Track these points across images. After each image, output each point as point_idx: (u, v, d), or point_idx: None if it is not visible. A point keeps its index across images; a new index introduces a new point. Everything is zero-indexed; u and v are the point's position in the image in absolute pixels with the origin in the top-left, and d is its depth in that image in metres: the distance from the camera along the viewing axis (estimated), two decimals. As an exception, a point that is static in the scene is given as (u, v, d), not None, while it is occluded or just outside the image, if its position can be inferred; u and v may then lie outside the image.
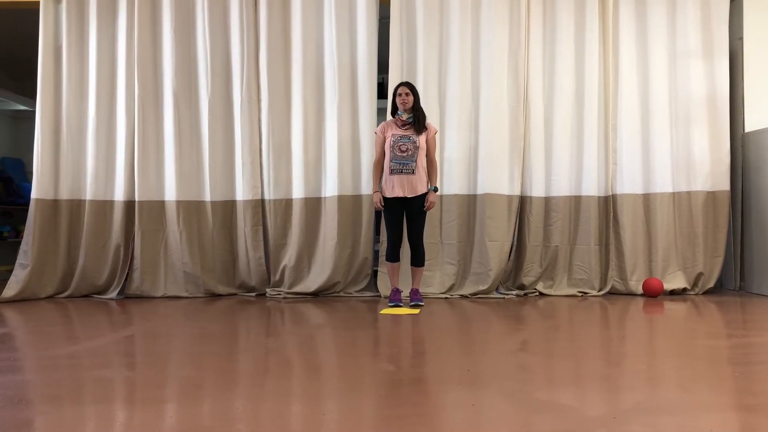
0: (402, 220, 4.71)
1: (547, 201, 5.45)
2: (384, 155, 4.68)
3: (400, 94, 4.62)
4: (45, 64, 5.48)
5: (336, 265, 5.30)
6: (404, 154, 4.58)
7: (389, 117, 4.95)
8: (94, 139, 5.47)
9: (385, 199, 4.65)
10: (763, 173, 5.31)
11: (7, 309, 4.75)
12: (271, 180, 5.44)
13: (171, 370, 2.79)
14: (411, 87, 4.66)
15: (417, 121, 4.63)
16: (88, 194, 5.45)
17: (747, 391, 2.38)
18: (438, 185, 4.82)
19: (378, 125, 5.17)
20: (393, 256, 4.71)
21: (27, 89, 7.43)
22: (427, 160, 4.71)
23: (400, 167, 4.59)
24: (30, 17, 5.68)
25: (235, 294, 5.48)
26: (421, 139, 4.62)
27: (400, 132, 4.64)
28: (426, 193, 4.66)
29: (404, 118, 4.63)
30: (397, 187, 4.60)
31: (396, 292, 4.73)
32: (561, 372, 2.68)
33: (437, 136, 5.01)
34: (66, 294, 5.38)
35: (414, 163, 4.59)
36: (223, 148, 5.50)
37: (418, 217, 4.67)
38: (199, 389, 2.41)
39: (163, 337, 3.61)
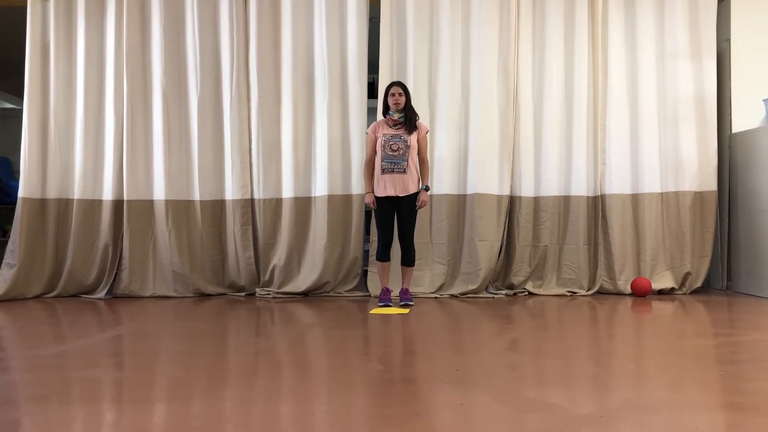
0: (393, 219, 4.71)
1: (537, 201, 5.47)
2: (375, 155, 4.68)
3: (393, 94, 4.63)
4: (32, 63, 5.43)
5: (326, 265, 5.30)
6: (395, 153, 4.59)
7: (380, 117, 4.95)
8: (83, 138, 5.43)
9: (376, 198, 4.65)
10: (750, 174, 5.36)
11: (-6, 309, 4.71)
12: (261, 179, 5.42)
13: (160, 370, 2.78)
14: (404, 87, 4.67)
15: (408, 120, 4.64)
16: (76, 193, 5.41)
17: (733, 390, 2.41)
18: (429, 184, 4.82)
19: (368, 124, 5.17)
20: (383, 255, 4.71)
21: (14, 87, 7.35)
22: (419, 159, 4.72)
23: (392, 166, 4.59)
24: (17, 15, 5.63)
25: (225, 294, 5.45)
26: (413, 139, 4.62)
27: (391, 131, 4.64)
28: (417, 192, 4.67)
29: (396, 118, 4.64)
30: (389, 187, 4.60)
31: (386, 291, 4.73)
32: (550, 371, 2.69)
33: (428, 135, 5.01)
34: (54, 294, 5.33)
35: (405, 163, 4.59)
36: (212, 147, 5.47)
37: (409, 216, 4.67)
38: (188, 389, 2.40)
39: (151, 337, 3.59)
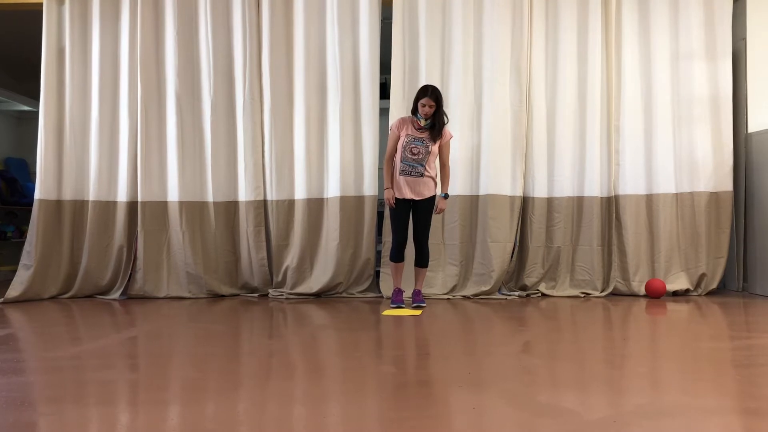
0: (408, 221, 4.70)
1: (550, 202, 5.44)
2: (395, 152, 4.66)
3: (424, 105, 4.52)
4: (48, 65, 5.49)
5: (338, 266, 5.31)
6: (415, 157, 4.58)
7: (402, 114, 4.92)
8: (97, 140, 5.49)
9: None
10: (767, 174, 5.29)
11: (11, 309, 4.77)
12: (274, 181, 5.44)
13: (174, 371, 2.80)
14: (436, 98, 4.53)
15: (434, 127, 4.60)
16: (91, 195, 5.47)
17: (749, 394, 2.38)
18: (448, 192, 4.79)
19: (380, 125, 5.17)
20: (397, 256, 4.71)
21: (30, 90, 7.45)
22: (440, 164, 4.70)
23: (410, 170, 4.59)
24: (33, 18, 5.70)
25: (238, 294, 5.49)
26: (435, 146, 4.60)
27: (415, 133, 4.62)
28: (433, 197, 4.66)
29: (422, 124, 4.61)
30: (405, 189, 4.60)
31: (398, 292, 4.73)
32: (563, 374, 2.68)
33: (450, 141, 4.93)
34: (69, 294, 5.39)
35: (423, 167, 4.58)
36: (225, 149, 5.51)
37: (424, 218, 4.67)
38: (202, 391, 2.41)
39: (166, 338, 3.62)
